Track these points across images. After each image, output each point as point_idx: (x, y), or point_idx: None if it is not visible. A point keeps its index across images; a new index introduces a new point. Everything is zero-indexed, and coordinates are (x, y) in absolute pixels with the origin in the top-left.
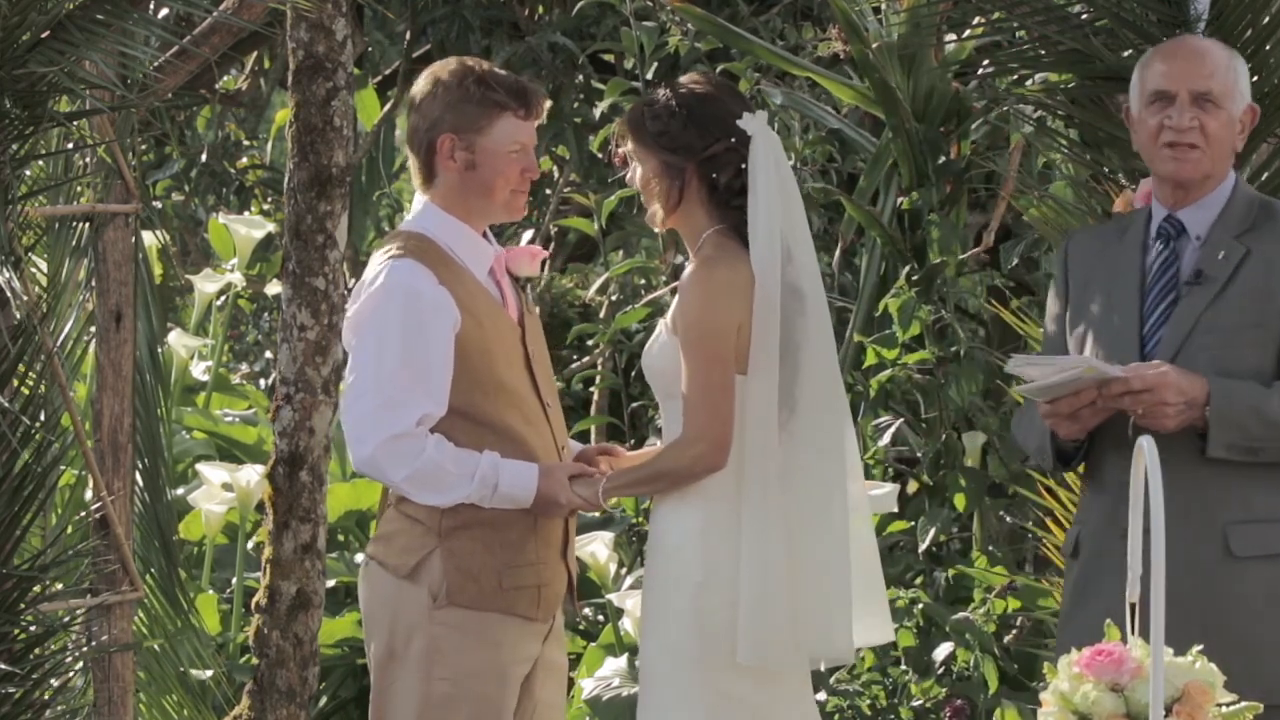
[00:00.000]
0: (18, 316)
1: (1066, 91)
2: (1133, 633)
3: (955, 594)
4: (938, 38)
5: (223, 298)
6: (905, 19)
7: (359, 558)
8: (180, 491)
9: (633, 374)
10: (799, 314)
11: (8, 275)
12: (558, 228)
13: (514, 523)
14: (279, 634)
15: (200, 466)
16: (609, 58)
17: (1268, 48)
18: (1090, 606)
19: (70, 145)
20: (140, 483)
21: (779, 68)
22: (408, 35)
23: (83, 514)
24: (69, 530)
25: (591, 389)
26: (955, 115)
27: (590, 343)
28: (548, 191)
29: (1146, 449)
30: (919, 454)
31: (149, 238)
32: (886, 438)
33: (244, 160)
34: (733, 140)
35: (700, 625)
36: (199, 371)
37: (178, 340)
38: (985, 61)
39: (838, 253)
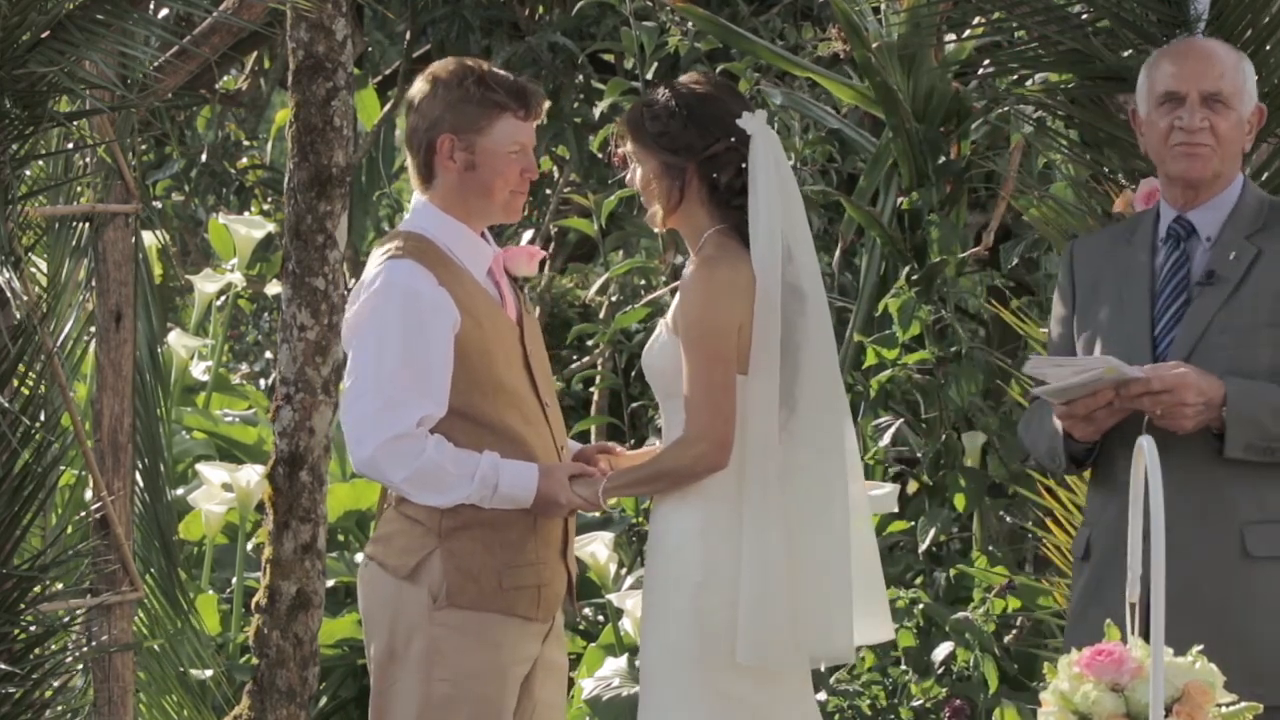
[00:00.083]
0: (18, 316)
1: (1066, 91)
2: (1133, 633)
3: (955, 594)
4: (938, 38)
5: (223, 298)
6: (905, 19)
7: (359, 558)
8: (180, 491)
9: (633, 374)
10: (799, 314)
11: (8, 275)
12: (558, 228)
13: (514, 523)
14: (279, 634)
15: (200, 466)
16: (609, 58)
17: (1268, 48)
18: (1105, 607)
19: (70, 145)
20: (140, 483)
21: (779, 68)
22: (408, 35)
23: (83, 514)
24: (69, 530)
25: (591, 389)
26: (955, 115)
27: (590, 343)
28: (548, 191)
29: (1146, 449)
30: (919, 454)
31: (149, 238)
32: (886, 438)
33: (244, 160)
34: (733, 140)
35: (700, 625)
36: (199, 371)
37: (178, 340)
38: (985, 61)
39: (838, 253)
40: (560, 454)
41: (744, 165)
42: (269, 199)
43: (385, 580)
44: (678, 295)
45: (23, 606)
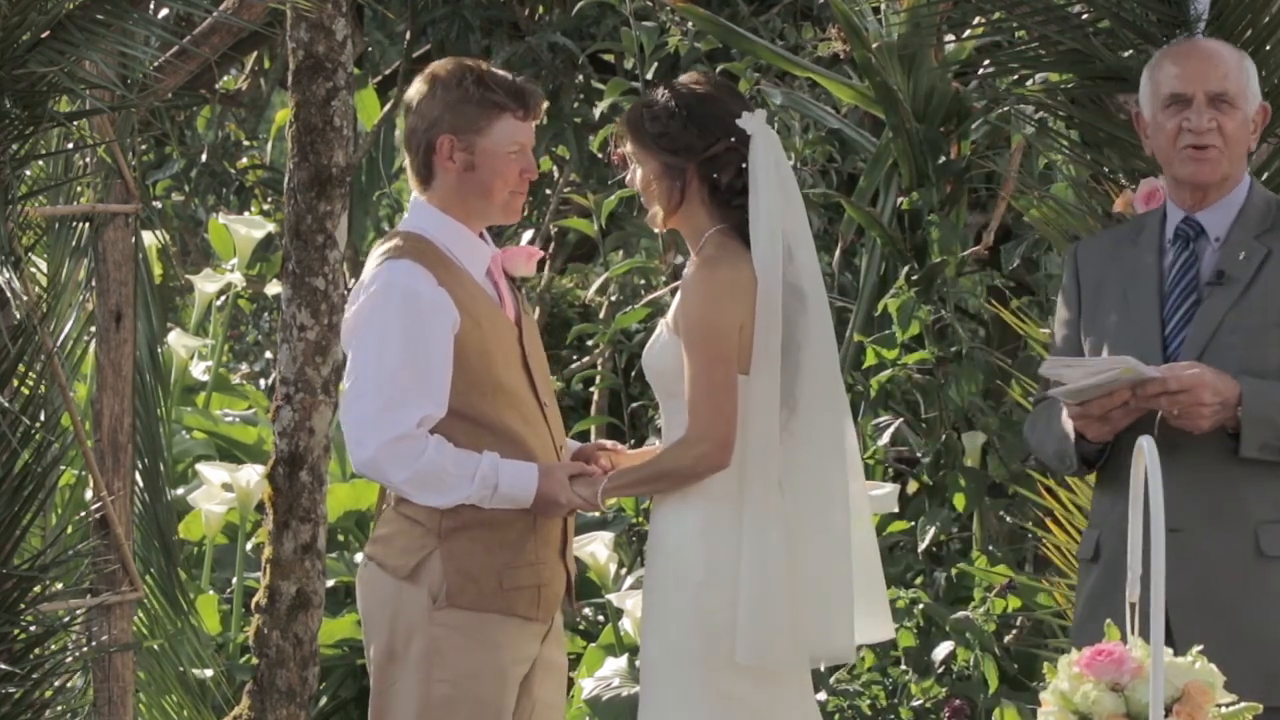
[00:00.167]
0: (18, 316)
1: (1066, 91)
2: (1133, 633)
3: (955, 594)
4: (938, 38)
5: (223, 298)
6: (905, 19)
7: (359, 558)
8: (180, 491)
9: (633, 374)
10: (800, 313)
11: (8, 275)
12: (558, 228)
13: (513, 523)
14: (279, 634)
15: (200, 466)
16: (609, 58)
17: (1268, 48)
18: (1116, 609)
19: (70, 145)
20: (140, 483)
21: (779, 68)
22: (408, 35)
23: (83, 514)
24: (69, 530)
25: (591, 389)
26: (955, 115)
27: (590, 343)
28: (548, 191)
29: (1146, 449)
30: (919, 454)
31: (149, 238)
32: (886, 438)
33: (244, 160)
34: (733, 140)
35: (701, 625)
36: (199, 371)
37: (178, 340)
38: (985, 61)
39: (838, 253)
40: (559, 454)
41: (744, 165)
42: (269, 199)
43: (385, 581)
44: (678, 295)
45: (23, 606)
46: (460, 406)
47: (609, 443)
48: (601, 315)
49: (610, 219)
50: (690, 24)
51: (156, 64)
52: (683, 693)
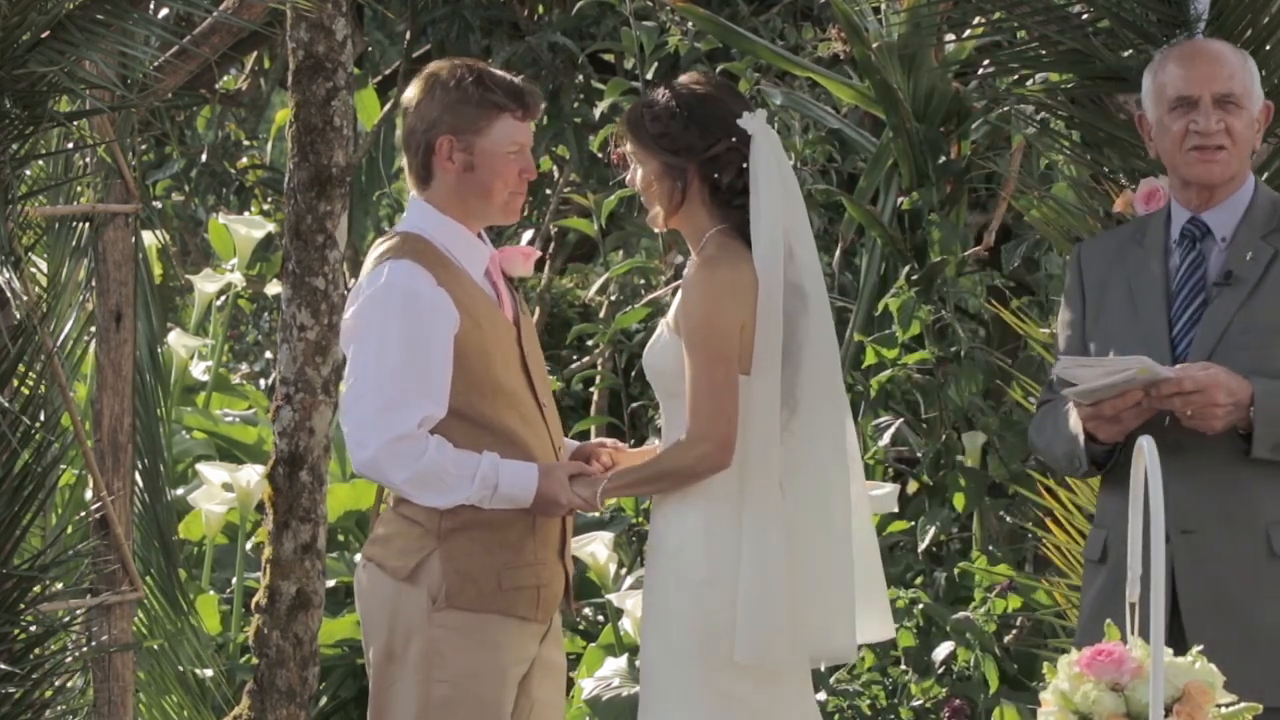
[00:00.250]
0: (18, 316)
1: (1066, 91)
2: (1133, 633)
3: (955, 594)
4: (938, 38)
5: (223, 298)
6: (905, 19)
7: (359, 558)
8: (180, 491)
9: (633, 374)
10: (801, 313)
11: (8, 275)
12: (558, 228)
13: (512, 524)
14: (279, 634)
15: (200, 466)
16: (609, 58)
17: (1268, 48)
18: (1124, 610)
19: (70, 145)
20: (140, 483)
21: (779, 68)
22: (408, 35)
23: (83, 514)
24: (69, 530)
25: (591, 389)
26: (955, 115)
27: (590, 343)
28: (548, 191)
29: (1146, 449)
30: (919, 454)
31: (149, 238)
32: (886, 438)
33: (244, 160)
34: (733, 140)
35: (701, 625)
36: (199, 371)
37: (178, 340)
38: (985, 61)
39: (838, 253)
40: (558, 454)
41: (745, 165)
42: (269, 199)
43: (384, 581)
44: (679, 295)
45: (23, 606)
46: (459, 407)
47: (610, 441)
48: (601, 315)
49: (610, 219)
50: (690, 24)
51: (156, 64)
52: (683, 693)
